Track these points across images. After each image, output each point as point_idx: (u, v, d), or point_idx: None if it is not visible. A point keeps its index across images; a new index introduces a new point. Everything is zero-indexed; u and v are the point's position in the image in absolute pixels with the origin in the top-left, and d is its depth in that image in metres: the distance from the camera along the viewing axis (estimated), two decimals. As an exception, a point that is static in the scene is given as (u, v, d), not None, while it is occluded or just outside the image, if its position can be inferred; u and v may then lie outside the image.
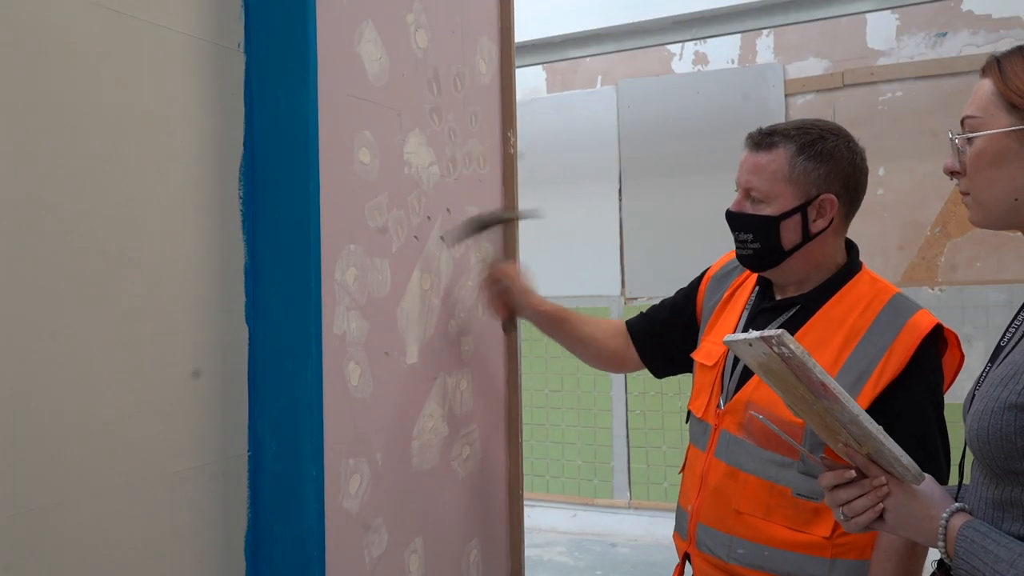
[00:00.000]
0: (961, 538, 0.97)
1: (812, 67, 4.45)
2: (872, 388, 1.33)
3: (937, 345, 1.38)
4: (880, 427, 1.02)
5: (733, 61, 4.63)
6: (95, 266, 1.01)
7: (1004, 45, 1.08)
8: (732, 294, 1.59)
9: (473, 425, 1.66)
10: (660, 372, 1.74)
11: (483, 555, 1.70)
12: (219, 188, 1.18)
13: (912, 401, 1.34)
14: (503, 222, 1.72)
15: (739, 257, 1.48)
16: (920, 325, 1.34)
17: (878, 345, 1.35)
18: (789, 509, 1.38)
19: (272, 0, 1.21)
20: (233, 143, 1.21)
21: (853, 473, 1.07)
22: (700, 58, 4.70)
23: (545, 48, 4.64)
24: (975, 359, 3.95)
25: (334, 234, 1.26)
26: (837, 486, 1.07)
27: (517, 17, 1.81)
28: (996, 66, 1.02)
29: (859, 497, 1.05)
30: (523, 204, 1.84)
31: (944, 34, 4.18)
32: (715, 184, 4.71)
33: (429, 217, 1.51)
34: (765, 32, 4.50)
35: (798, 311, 1.44)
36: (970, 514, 1.01)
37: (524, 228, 1.83)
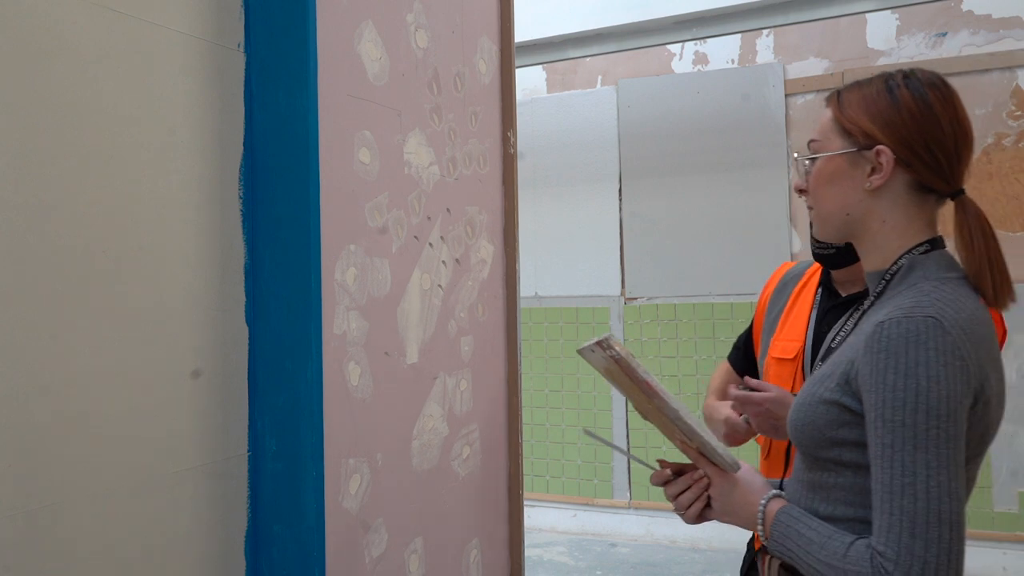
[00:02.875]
0: (776, 523, 1.10)
1: (812, 67, 4.45)
2: None
3: None
4: (699, 421, 1.16)
5: (733, 61, 4.63)
6: (95, 266, 1.01)
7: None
8: (796, 299, 1.83)
9: (473, 425, 1.66)
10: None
11: (483, 555, 1.70)
12: (219, 188, 1.19)
13: None
14: None
15: (819, 257, 1.74)
16: None
17: None
18: None
19: (272, 0, 1.22)
20: (233, 143, 1.21)
21: (670, 472, 1.25)
22: (700, 58, 4.70)
23: (545, 48, 4.64)
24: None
25: (334, 234, 1.26)
26: (666, 483, 1.25)
27: (517, 17, 1.81)
28: (836, 97, 1.18)
29: (685, 491, 1.22)
30: (523, 204, 1.84)
31: (944, 34, 4.18)
32: (715, 184, 4.74)
33: (429, 217, 1.51)
34: (765, 32, 4.50)
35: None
36: (786, 500, 1.14)
37: (524, 228, 1.83)
